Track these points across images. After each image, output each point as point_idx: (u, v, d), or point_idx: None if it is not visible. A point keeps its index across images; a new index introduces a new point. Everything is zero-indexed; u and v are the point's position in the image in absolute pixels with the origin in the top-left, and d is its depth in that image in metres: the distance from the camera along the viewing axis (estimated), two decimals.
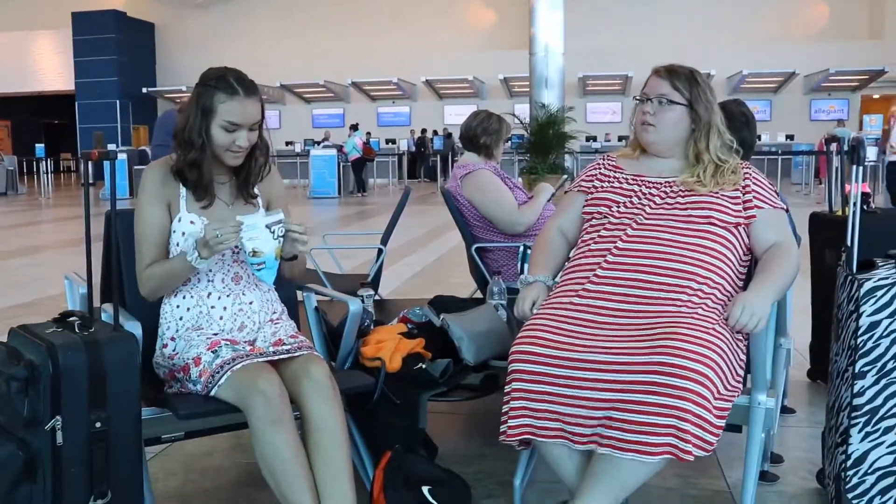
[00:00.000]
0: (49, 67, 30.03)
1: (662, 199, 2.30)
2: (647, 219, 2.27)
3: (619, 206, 2.34)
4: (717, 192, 2.27)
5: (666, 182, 2.34)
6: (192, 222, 2.27)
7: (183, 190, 2.29)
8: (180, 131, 2.24)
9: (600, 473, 2.03)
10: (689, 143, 2.36)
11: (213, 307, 2.30)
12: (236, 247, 2.26)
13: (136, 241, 2.27)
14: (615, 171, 2.45)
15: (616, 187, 2.39)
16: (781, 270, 2.18)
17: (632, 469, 1.99)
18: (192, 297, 2.30)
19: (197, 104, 2.22)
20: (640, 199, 2.33)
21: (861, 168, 2.47)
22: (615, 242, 2.26)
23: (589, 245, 2.34)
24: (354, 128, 20.72)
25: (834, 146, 3.51)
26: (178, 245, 2.27)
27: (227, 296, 2.32)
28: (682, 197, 2.28)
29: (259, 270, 2.22)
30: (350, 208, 15.34)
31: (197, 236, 2.21)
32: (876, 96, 26.04)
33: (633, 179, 2.39)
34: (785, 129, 23.32)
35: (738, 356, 2.13)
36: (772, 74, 24.90)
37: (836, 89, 25.40)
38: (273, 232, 2.18)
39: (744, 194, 2.29)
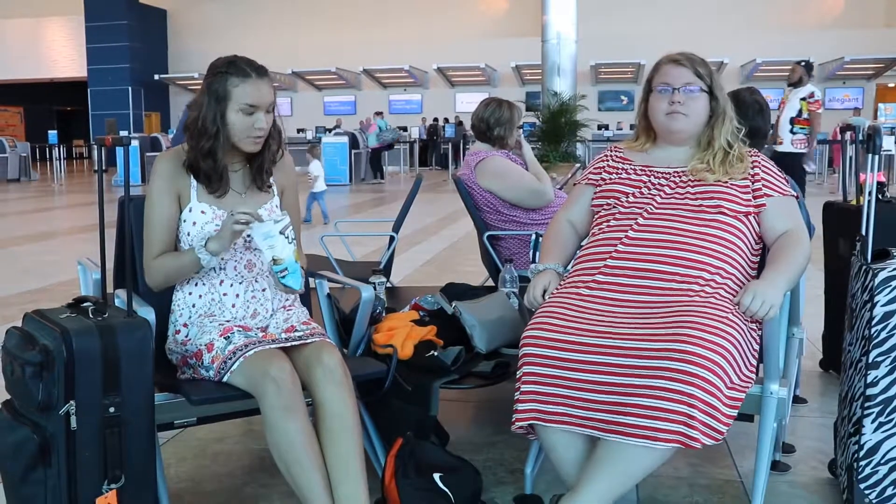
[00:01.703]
0: (61, 54, 30.11)
1: (672, 189, 2.30)
2: (657, 209, 2.27)
3: (627, 197, 2.33)
4: (726, 182, 2.26)
5: (675, 172, 2.33)
6: (203, 212, 2.27)
7: (193, 180, 2.29)
8: (192, 123, 2.24)
9: (604, 461, 2.02)
10: (706, 130, 2.36)
11: (225, 294, 2.31)
12: (248, 235, 2.27)
13: (146, 232, 2.28)
14: (623, 163, 2.44)
15: (624, 179, 2.39)
16: (792, 258, 2.17)
17: (638, 457, 1.98)
18: (204, 284, 2.31)
19: (209, 92, 2.22)
20: (649, 189, 2.32)
21: (877, 157, 2.45)
22: (626, 232, 2.25)
23: (598, 236, 2.34)
24: (380, 115, 20.70)
25: (848, 135, 3.48)
26: (188, 234, 2.28)
27: (240, 283, 2.33)
28: (692, 187, 2.28)
29: (283, 278, 2.20)
30: (362, 196, 15.35)
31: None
32: (891, 85, 25.81)
33: (641, 170, 2.38)
34: None
35: (752, 346, 2.12)
36: (786, 62, 24.52)
37: (850, 77, 25.19)
38: (287, 237, 2.19)
39: (753, 183, 2.28)
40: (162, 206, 2.27)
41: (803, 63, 8.81)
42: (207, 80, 2.24)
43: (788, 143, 8.58)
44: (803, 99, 8.61)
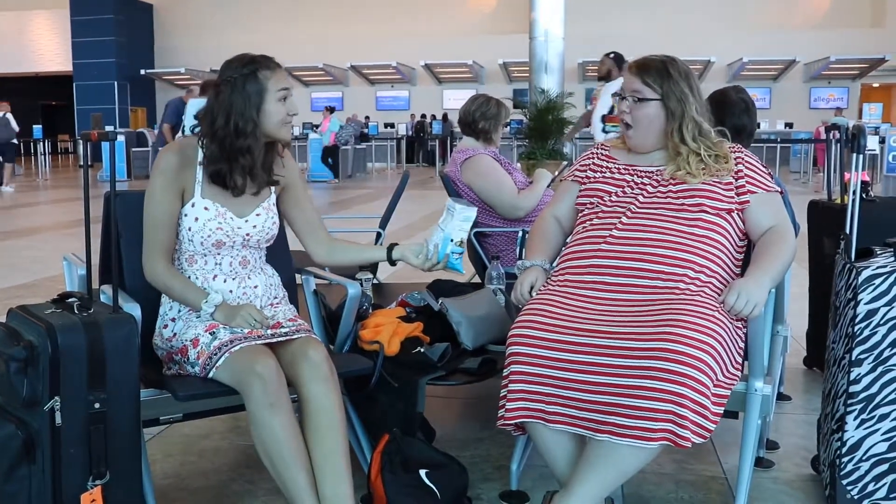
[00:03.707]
0: (47, 48, 29.87)
1: (654, 188, 2.30)
2: (639, 208, 2.27)
3: (610, 196, 2.34)
4: (709, 180, 2.26)
5: (658, 171, 2.33)
6: (206, 208, 2.27)
7: (199, 175, 2.28)
8: (222, 127, 2.21)
9: (595, 460, 2.03)
10: (668, 136, 2.33)
11: (217, 291, 2.30)
12: (247, 234, 2.30)
13: (147, 225, 2.27)
14: (608, 161, 2.44)
15: (608, 177, 2.39)
16: (777, 255, 2.18)
17: (628, 455, 1.99)
18: (197, 278, 2.31)
19: (240, 93, 2.21)
20: (632, 188, 2.33)
21: (861, 156, 2.47)
22: (610, 231, 2.25)
23: (581, 235, 2.34)
24: (332, 111, 20.16)
25: (833, 134, 3.50)
26: (189, 230, 2.27)
27: (233, 279, 2.33)
28: (674, 185, 2.27)
29: (457, 260, 2.30)
30: (348, 192, 15.31)
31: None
32: (876, 85, 25.99)
33: (624, 169, 2.38)
34: (784, 117, 23.27)
35: (738, 344, 2.14)
36: (772, 62, 24.83)
37: (836, 77, 25.34)
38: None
39: (736, 180, 2.28)
40: (165, 204, 2.26)
41: (612, 55, 7.73)
42: (232, 81, 2.22)
43: None
44: (615, 94, 7.42)
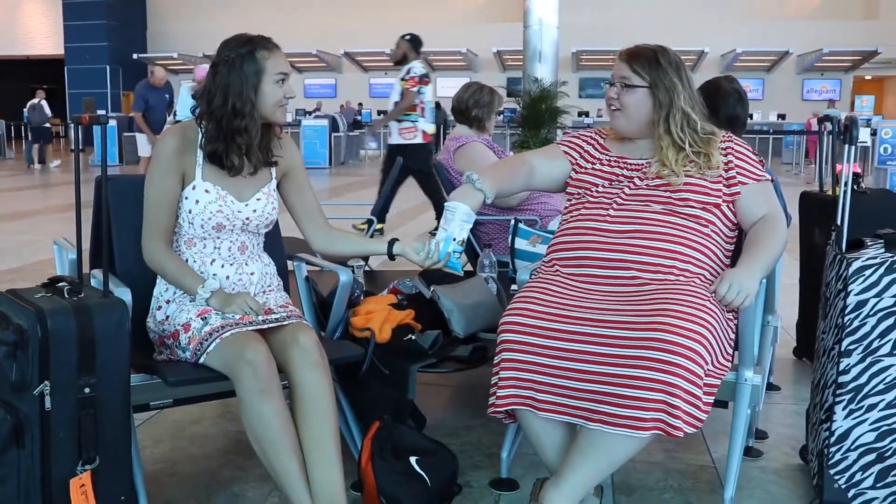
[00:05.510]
0: (38, 31, 29.61)
1: (642, 180, 2.29)
2: (624, 200, 2.26)
3: (597, 188, 2.33)
4: (695, 174, 2.25)
5: (647, 163, 2.32)
6: (206, 191, 2.26)
7: (200, 158, 2.27)
8: (220, 106, 2.21)
9: (586, 448, 2.03)
10: (655, 126, 2.31)
11: (214, 275, 2.30)
12: (247, 217, 2.29)
13: (147, 207, 2.26)
14: (601, 152, 2.42)
15: (598, 169, 2.38)
16: (769, 245, 2.17)
17: (620, 445, 1.99)
18: (195, 261, 2.30)
19: (238, 73, 2.20)
20: (620, 181, 2.32)
21: (853, 148, 2.47)
22: (598, 223, 2.24)
23: (568, 225, 2.33)
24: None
25: (825, 126, 3.51)
26: (190, 212, 2.26)
27: (231, 264, 2.33)
28: (660, 179, 2.27)
29: (458, 259, 2.27)
30: (341, 179, 15.28)
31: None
32: (868, 77, 26.01)
33: (615, 162, 2.38)
34: (777, 109, 23.27)
35: (728, 334, 2.14)
36: (765, 53, 24.83)
37: (828, 69, 25.35)
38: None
39: (726, 171, 2.27)
40: (165, 186, 2.25)
41: (408, 37, 7.20)
42: (229, 61, 2.22)
43: (396, 134, 7.13)
44: (403, 79, 7.08)
